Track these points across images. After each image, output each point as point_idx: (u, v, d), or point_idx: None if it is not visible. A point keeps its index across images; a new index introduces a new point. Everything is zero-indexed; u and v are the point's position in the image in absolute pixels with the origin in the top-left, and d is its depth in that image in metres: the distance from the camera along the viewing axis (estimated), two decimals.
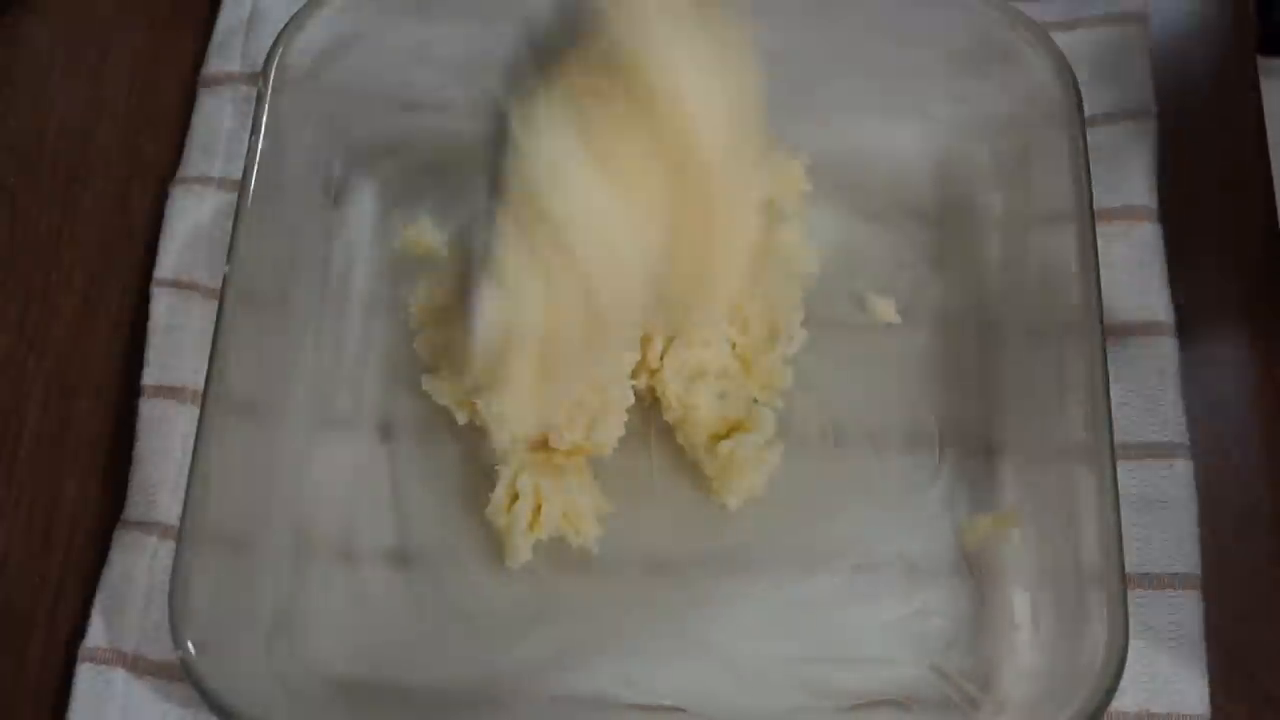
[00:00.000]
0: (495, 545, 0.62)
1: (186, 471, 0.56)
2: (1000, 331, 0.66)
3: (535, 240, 0.50)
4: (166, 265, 0.69)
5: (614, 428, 0.62)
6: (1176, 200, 0.69)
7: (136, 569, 0.62)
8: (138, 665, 0.61)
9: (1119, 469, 0.56)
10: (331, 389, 0.66)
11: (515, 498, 0.61)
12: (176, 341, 0.67)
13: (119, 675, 0.61)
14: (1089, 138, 0.61)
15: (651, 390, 0.64)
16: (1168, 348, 0.65)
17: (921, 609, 0.62)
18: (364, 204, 0.71)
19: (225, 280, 0.59)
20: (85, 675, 0.61)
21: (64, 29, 0.77)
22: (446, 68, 0.69)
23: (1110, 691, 0.52)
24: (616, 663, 0.60)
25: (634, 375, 0.63)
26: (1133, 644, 0.53)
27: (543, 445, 0.62)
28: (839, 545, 0.62)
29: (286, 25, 0.63)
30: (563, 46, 0.49)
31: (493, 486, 0.62)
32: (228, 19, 0.75)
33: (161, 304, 0.68)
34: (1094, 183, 0.60)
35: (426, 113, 0.71)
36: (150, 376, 0.66)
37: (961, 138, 0.69)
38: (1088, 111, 0.62)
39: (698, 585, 0.62)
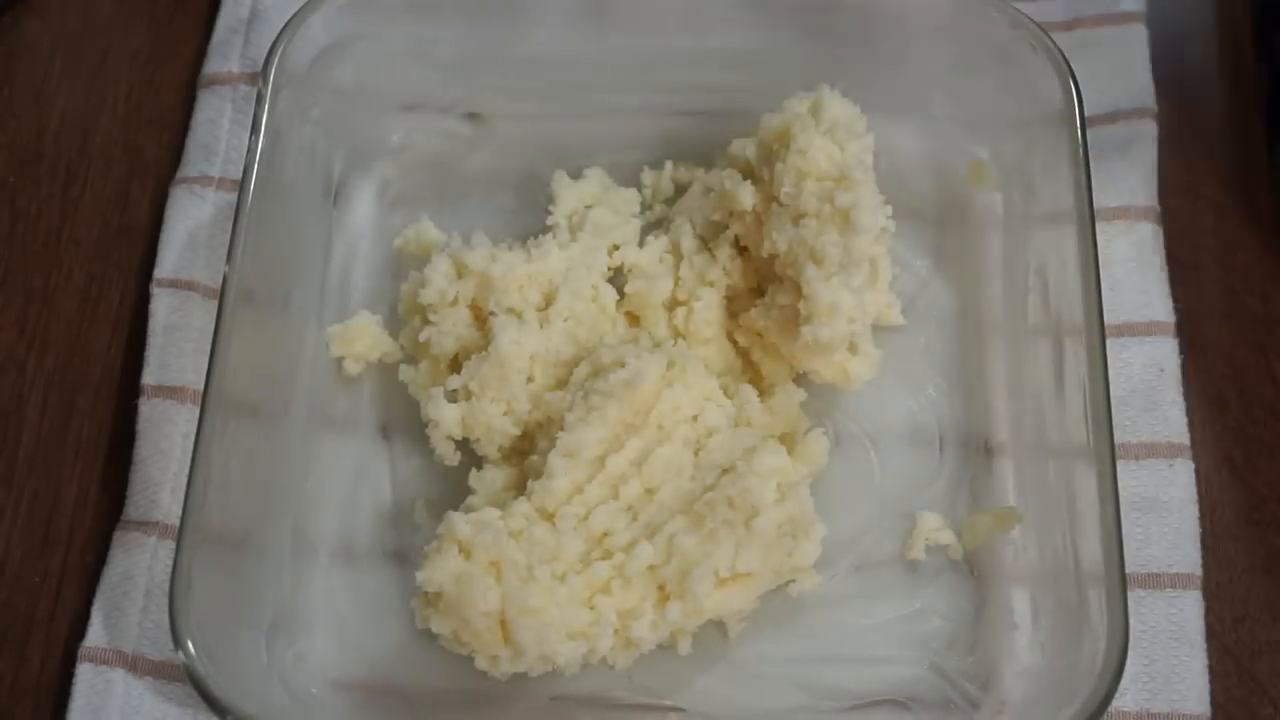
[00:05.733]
0: None
1: (186, 471, 0.56)
2: (1001, 331, 0.66)
3: None
4: (166, 265, 0.69)
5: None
6: (1177, 200, 0.69)
7: (136, 569, 0.62)
8: (137, 665, 0.61)
9: (1119, 469, 0.55)
10: (331, 389, 0.67)
11: None
12: (176, 341, 0.67)
13: (119, 675, 0.61)
14: (1089, 138, 0.61)
15: None
16: (1168, 348, 0.65)
17: (921, 609, 0.62)
18: (364, 204, 0.71)
19: (225, 280, 0.59)
20: (85, 675, 0.61)
21: (64, 29, 0.77)
22: (446, 68, 0.69)
23: (1110, 691, 0.52)
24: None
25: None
26: (1133, 644, 0.53)
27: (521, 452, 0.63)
28: (839, 545, 0.62)
29: (286, 25, 0.63)
30: None
31: None
32: (228, 19, 0.75)
33: (161, 304, 0.68)
34: (1094, 183, 0.60)
35: (426, 113, 0.71)
36: (150, 376, 0.66)
37: (961, 138, 0.69)
38: (1088, 111, 0.62)
39: None
